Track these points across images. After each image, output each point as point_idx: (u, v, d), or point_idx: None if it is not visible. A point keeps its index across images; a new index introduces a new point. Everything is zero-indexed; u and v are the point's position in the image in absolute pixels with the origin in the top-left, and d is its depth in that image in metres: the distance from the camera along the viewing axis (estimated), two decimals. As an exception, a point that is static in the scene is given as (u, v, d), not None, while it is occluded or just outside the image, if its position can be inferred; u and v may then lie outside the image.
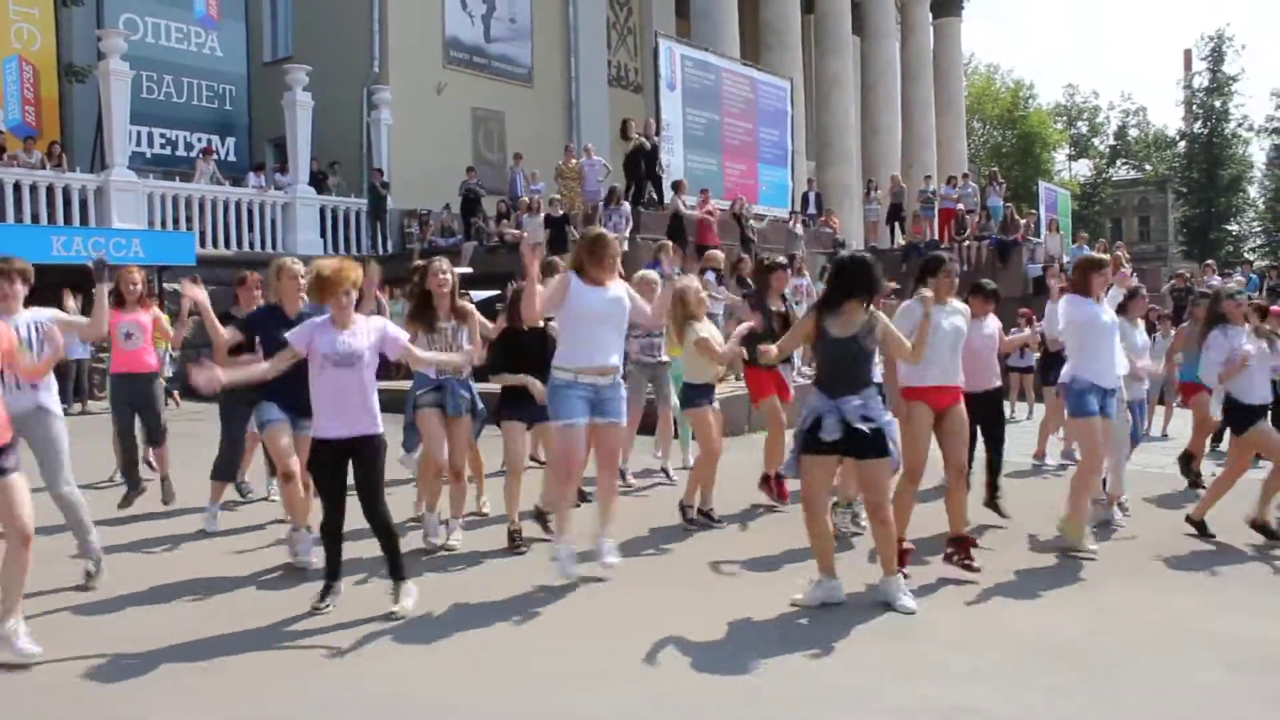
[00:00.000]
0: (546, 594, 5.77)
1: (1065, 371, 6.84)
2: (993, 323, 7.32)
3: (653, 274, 9.06)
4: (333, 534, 5.40)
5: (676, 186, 18.49)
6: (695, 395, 7.68)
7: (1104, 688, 4.39)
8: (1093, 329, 6.62)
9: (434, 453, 6.68)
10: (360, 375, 5.24)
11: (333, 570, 5.44)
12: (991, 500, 7.46)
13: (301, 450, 6.10)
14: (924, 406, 6.15)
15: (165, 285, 17.82)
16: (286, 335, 5.38)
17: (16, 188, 16.98)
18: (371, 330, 5.35)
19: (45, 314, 5.78)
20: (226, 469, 7.49)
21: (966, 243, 21.22)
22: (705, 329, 7.48)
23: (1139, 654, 4.81)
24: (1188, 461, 9.07)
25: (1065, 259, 21.72)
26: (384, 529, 5.33)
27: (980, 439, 7.24)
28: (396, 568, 5.39)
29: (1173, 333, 13.12)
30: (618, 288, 5.98)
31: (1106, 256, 7.14)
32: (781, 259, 8.77)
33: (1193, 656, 4.76)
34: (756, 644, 4.90)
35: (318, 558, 5.88)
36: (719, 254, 15.42)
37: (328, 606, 5.34)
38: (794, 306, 8.80)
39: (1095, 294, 6.69)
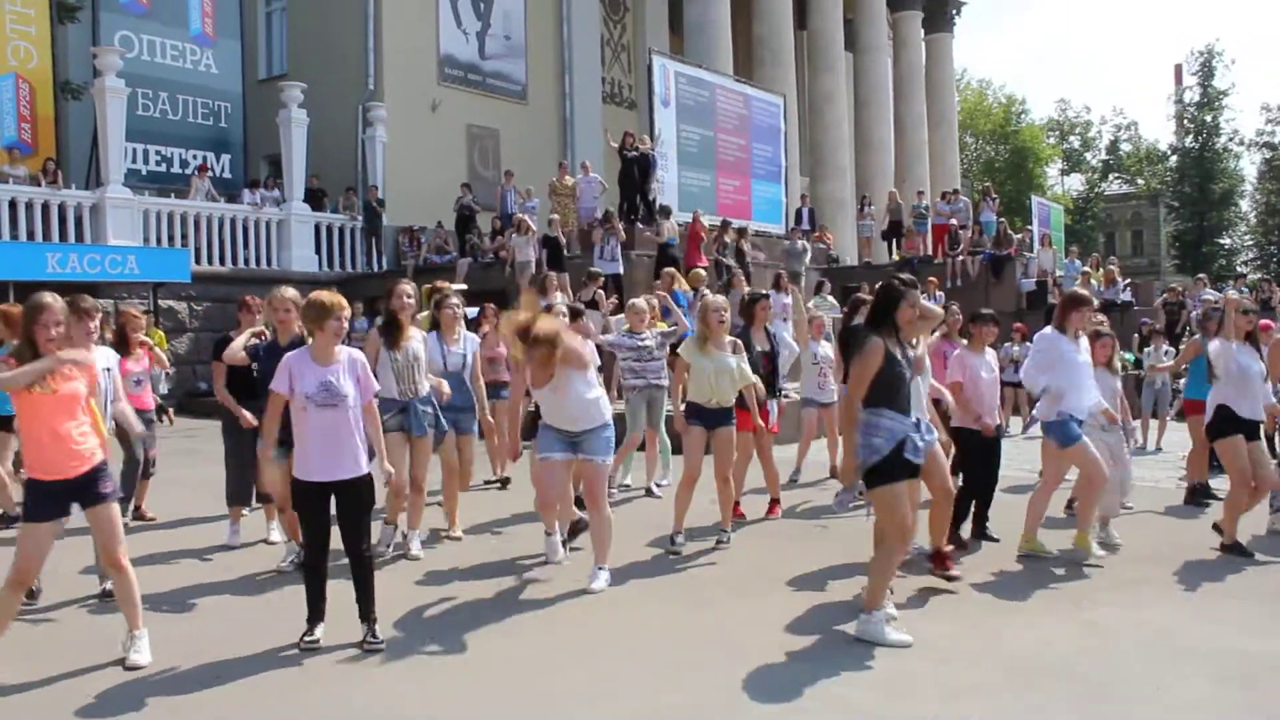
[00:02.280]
0: (539, 612, 5.82)
1: (1044, 408, 6.92)
2: (991, 355, 7.46)
3: (641, 303, 9.16)
4: (316, 572, 5.22)
5: (665, 212, 18.55)
6: (690, 415, 7.36)
7: (1091, 703, 4.43)
8: (1066, 367, 6.73)
9: (397, 474, 6.51)
10: (345, 415, 5.09)
11: (316, 610, 5.21)
12: (980, 530, 7.49)
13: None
14: None
15: (160, 302, 17.88)
16: (272, 386, 5.19)
17: (12, 205, 16.99)
18: (354, 368, 5.19)
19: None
20: (242, 493, 7.46)
21: (960, 258, 21.30)
22: (719, 361, 7.23)
23: (1126, 668, 4.85)
24: (1200, 490, 9.04)
25: (1058, 274, 21.85)
26: (362, 566, 5.20)
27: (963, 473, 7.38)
28: (367, 606, 5.21)
29: (1165, 346, 13.21)
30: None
31: (1087, 293, 7.21)
32: (764, 290, 8.82)
33: (1179, 671, 4.80)
34: (748, 660, 4.93)
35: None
36: (701, 273, 15.56)
37: (317, 640, 5.14)
38: (780, 336, 8.80)
39: (1073, 331, 6.83)
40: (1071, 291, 7.27)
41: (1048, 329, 7.01)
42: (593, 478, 6.32)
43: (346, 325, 5.21)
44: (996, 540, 7.40)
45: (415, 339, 7.01)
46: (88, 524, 4.99)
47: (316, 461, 5.08)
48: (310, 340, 5.23)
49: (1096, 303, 7.27)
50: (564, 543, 6.86)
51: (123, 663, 4.88)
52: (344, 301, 5.25)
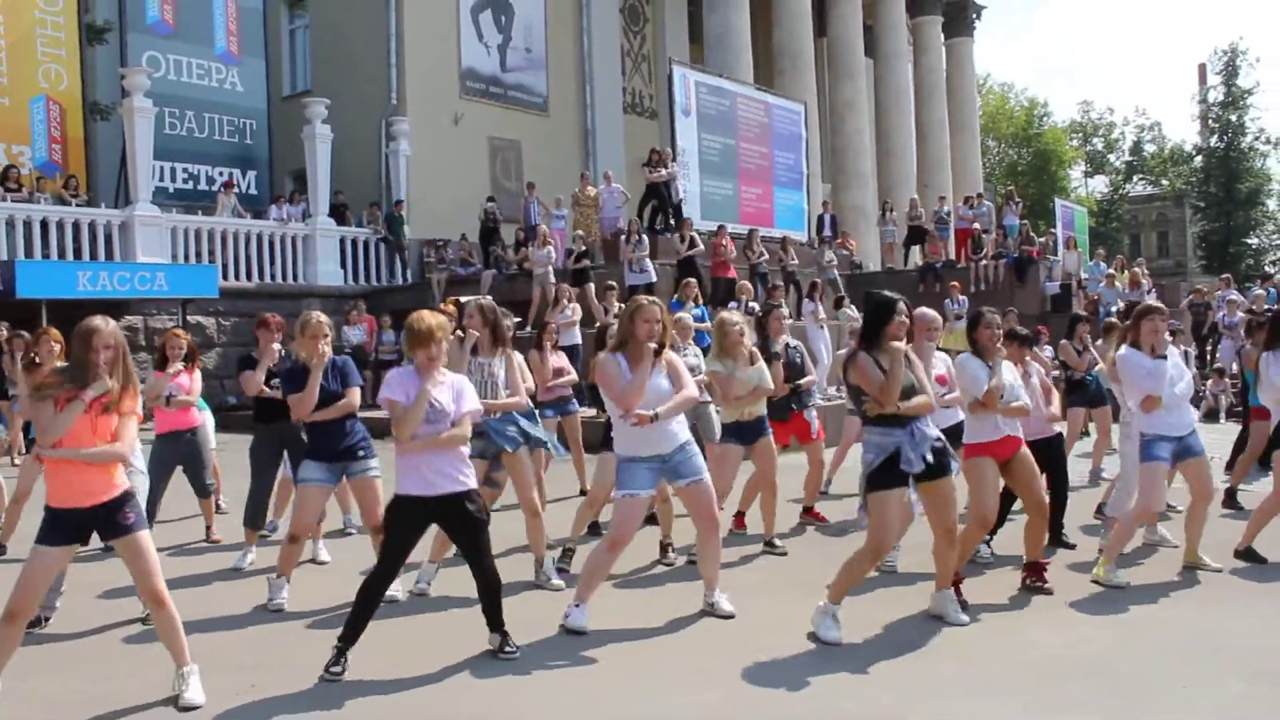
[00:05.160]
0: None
1: (1135, 424, 6.80)
2: (1033, 367, 7.37)
3: (686, 316, 9.10)
4: (371, 597, 5.02)
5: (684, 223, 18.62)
6: (726, 434, 7.45)
7: (1121, 701, 4.44)
8: (1143, 383, 6.49)
9: None
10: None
11: (352, 634, 4.96)
12: (1056, 539, 7.42)
13: (364, 493, 6.26)
14: (989, 460, 6.10)
15: (189, 318, 18.07)
16: (388, 394, 5.04)
17: (44, 224, 17.25)
18: (454, 387, 5.15)
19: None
20: (257, 517, 7.40)
21: (983, 262, 21.24)
22: (745, 375, 7.19)
23: (1162, 667, 4.86)
24: (1232, 495, 8.98)
25: (1083, 276, 21.74)
26: (488, 579, 5.15)
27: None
28: (497, 617, 5.20)
29: (1186, 349, 13.12)
30: (661, 375, 5.57)
31: (1160, 305, 6.92)
32: (776, 301, 8.69)
33: (1211, 670, 4.80)
34: (784, 662, 4.98)
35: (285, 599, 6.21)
36: (748, 285, 15.54)
37: (342, 672, 4.86)
38: (793, 350, 8.65)
39: (1147, 344, 6.51)
40: (1143, 304, 7.06)
41: (1123, 348, 6.72)
42: (706, 498, 5.76)
43: (444, 346, 5.10)
44: (1073, 546, 7.38)
45: (491, 360, 6.47)
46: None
47: (416, 476, 5.01)
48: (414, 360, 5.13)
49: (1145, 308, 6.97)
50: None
51: (175, 702, 4.57)
52: (439, 327, 5.09)
